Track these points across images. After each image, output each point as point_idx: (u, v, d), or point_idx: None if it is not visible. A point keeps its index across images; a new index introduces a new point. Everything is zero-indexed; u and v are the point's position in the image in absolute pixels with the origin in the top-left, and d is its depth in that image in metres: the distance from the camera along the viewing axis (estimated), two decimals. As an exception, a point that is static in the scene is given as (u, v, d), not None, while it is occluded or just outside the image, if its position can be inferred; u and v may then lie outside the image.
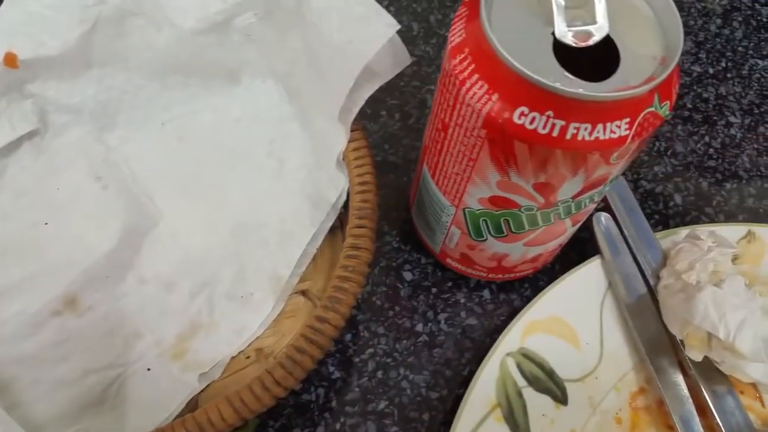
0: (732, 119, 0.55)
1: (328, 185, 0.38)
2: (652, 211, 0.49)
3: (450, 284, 0.45)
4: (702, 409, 0.39)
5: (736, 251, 0.38)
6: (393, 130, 0.51)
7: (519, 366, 0.39)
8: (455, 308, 0.44)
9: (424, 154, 0.38)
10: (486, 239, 0.38)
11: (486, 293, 0.45)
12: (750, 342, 0.34)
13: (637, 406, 0.40)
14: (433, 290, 0.45)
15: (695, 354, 0.37)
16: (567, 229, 0.38)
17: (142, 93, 0.42)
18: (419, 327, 0.44)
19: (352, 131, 0.36)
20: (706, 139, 0.54)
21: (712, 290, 0.35)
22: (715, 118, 0.55)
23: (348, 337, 0.43)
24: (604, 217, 0.43)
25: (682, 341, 0.38)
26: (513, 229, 0.36)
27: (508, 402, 0.38)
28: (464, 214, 0.37)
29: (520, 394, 0.38)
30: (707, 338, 0.36)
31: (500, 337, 0.39)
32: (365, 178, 0.35)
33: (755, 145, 0.53)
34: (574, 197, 0.33)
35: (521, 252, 0.39)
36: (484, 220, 0.36)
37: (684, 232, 0.43)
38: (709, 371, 0.39)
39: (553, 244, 0.39)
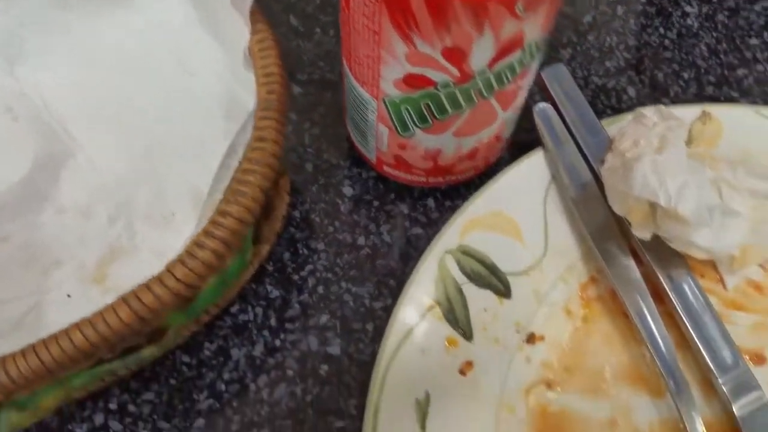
0: (688, 9, 0.52)
1: (240, 91, 0.36)
2: (604, 106, 0.47)
3: (393, 196, 0.43)
4: (659, 296, 0.37)
5: (687, 128, 0.36)
6: (328, 47, 0.49)
7: (459, 263, 0.37)
8: (399, 219, 0.42)
9: (342, 49, 0.36)
10: (413, 133, 0.36)
11: (430, 202, 0.43)
12: (692, 204, 0.31)
13: (589, 296, 0.38)
14: (375, 203, 0.43)
15: (642, 232, 0.35)
16: (497, 114, 0.36)
17: (45, 19, 0.40)
18: (361, 240, 0.42)
19: (254, 23, 0.34)
20: (661, 30, 0.51)
21: (652, 159, 0.33)
22: (670, 9, 0.52)
23: (286, 255, 0.41)
24: (544, 106, 0.40)
25: (629, 222, 0.35)
26: (436, 114, 0.34)
27: (447, 299, 0.36)
28: (386, 105, 0.35)
29: (460, 291, 0.36)
30: (650, 210, 0.33)
31: (437, 236, 0.37)
32: (270, 69, 0.33)
33: (714, 34, 0.51)
34: (490, 66, 0.31)
35: (454, 145, 0.37)
36: (406, 108, 0.34)
37: (631, 116, 0.40)
38: (663, 256, 0.37)
39: (487, 134, 0.37)
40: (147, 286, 0.28)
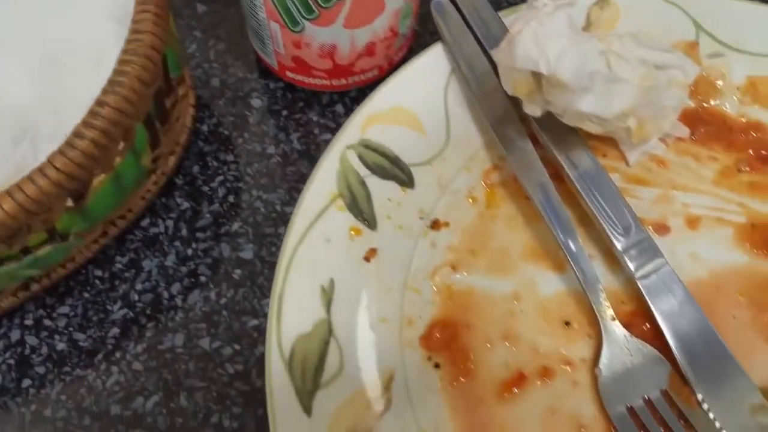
0: None
1: (128, -5, 0.35)
2: (509, 4, 0.47)
3: (301, 104, 0.43)
4: (559, 176, 0.38)
5: (577, 5, 0.36)
6: (232, -35, 0.49)
7: (360, 157, 0.37)
8: (308, 127, 0.42)
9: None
10: (303, 26, 0.36)
11: (339, 108, 0.43)
12: (571, 68, 0.32)
13: (492, 182, 0.38)
14: (284, 113, 0.43)
15: (532, 108, 0.35)
16: (385, 5, 0.36)
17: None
18: (271, 149, 0.42)
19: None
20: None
21: (533, 29, 0.33)
22: None
23: (195, 168, 0.41)
24: (441, 0, 0.40)
25: (521, 100, 0.36)
26: (321, 2, 0.34)
27: (350, 191, 0.36)
28: (271, -3, 0.35)
29: (363, 184, 0.36)
30: (535, 82, 0.34)
31: (338, 133, 0.37)
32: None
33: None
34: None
35: (348, 39, 0.37)
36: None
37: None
38: (561, 136, 0.38)
39: (380, 26, 0.37)
40: (29, 177, 0.28)
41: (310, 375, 0.32)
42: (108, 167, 0.32)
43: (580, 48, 0.33)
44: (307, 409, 0.31)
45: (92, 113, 0.29)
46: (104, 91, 0.30)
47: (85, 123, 0.29)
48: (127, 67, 0.30)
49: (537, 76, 0.33)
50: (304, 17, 0.35)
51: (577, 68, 0.32)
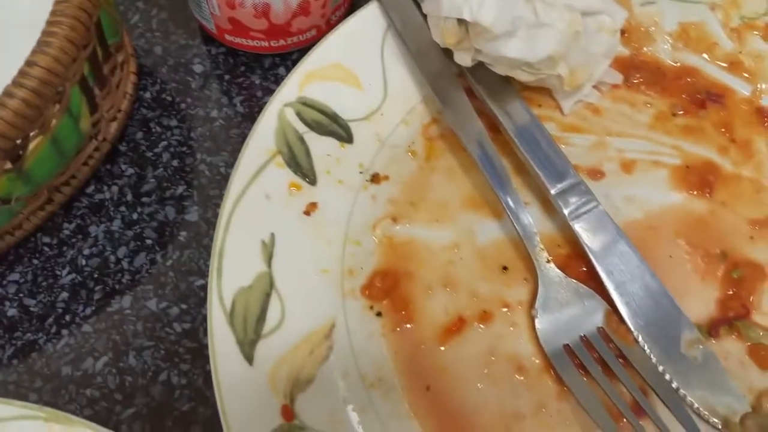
0: None
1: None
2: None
3: (243, 68, 0.43)
4: (494, 127, 0.38)
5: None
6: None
7: (299, 114, 0.37)
8: (251, 90, 0.43)
9: None
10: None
11: (281, 70, 0.43)
12: (493, 13, 0.32)
13: (431, 135, 0.39)
14: (227, 77, 0.43)
15: (463, 57, 0.36)
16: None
17: None
18: (214, 113, 0.42)
19: None
20: None
21: (458, -23, 0.33)
22: None
23: (139, 135, 0.41)
24: (375, -42, 0.41)
25: (451, 51, 0.36)
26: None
27: (289, 148, 0.36)
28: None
29: (301, 140, 0.37)
30: (462, 31, 0.34)
31: (276, 91, 0.37)
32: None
33: None
34: None
35: (281, -1, 0.37)
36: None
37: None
38: (495, 88, 0.39)
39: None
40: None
41: (252, 326, 0.32)
42: (44, 129, 0.32)
43: (506, -4, 0.33)
44: (249, 358, 0.32)
45: (22, 73, 0.29)
46: (33, 52, 0.30)
47: (15, 83, 0.29)
48: (56, 27, 0.30)
49: (464, 24, 0.34)
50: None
51: (500, 14, 0.33)
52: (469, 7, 0.32)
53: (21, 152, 0.32)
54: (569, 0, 0.35)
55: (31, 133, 0.32)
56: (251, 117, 0.41)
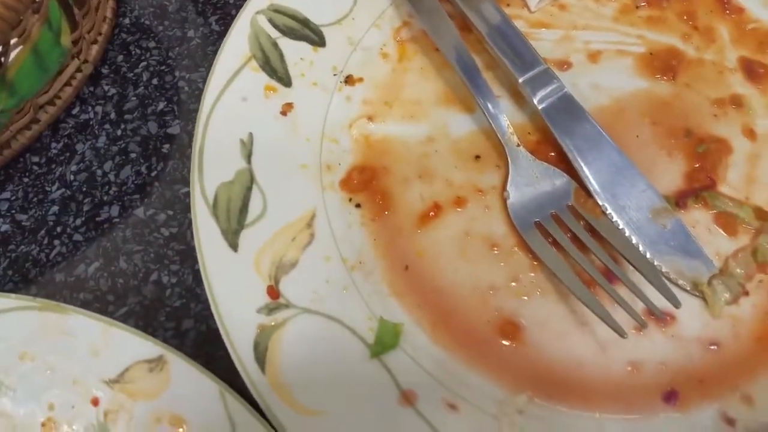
0: None
1: None
2: None
3: (218, -12, 0.44)
4: (466, 27, 0.39)
5: None
6: None
7: (271, 21, 0.38)
8: (225, 9, 0.44)
9: None
10: None
11: (255, -10, 0.44)
12: None
13: (402, 38, 0.40)
14: (201, -2, 0.44)
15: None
16: None
17: None
18: (191, 33, 0.43)
19: None
20: None
21: None
22: None
23: (120, 58, 0.42)
24: None
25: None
26: None
27: (263, 53, 0.37)
28: None
29: (275, 45, 0.38)
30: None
31: (247, 0, 0.38)
32: None
33: None
34: None
35: None
36: None
37: None
38: (467, -10, 0.39)
39: None
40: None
41: (235, 217, 0.34)
42: (25, 39, 0.33)
43: None
44: (234, 246, 0.33)
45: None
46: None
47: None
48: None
49: None
50: None
51: None
52: None
53: (2, 59, 0.33)
54: None
55: (12, 41, 0.33)
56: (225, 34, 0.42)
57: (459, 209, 0.35)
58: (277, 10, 0.38)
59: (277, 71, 0.37)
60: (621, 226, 0.34)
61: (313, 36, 0.39)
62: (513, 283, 0.34)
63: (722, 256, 0.34)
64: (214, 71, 0.36)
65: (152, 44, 0.43)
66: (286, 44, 0.38)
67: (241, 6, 0.42)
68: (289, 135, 0.36)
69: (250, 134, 0.36)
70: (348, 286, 0.33)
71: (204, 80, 0.41)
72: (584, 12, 0.40)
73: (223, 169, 0.35)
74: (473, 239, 0.35)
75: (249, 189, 0.34)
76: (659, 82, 0.38)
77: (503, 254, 0.34)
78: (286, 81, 0.37)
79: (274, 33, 0.38)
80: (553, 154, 0.37)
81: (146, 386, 0.30)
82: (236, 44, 0.37)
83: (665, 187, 0.35)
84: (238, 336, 0.30)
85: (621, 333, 0.30)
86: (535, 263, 0.34)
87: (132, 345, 0.31)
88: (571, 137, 0.35)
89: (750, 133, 0.37)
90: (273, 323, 0.31)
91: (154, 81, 0.41)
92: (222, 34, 0.43)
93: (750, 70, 0.38)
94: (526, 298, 0.33)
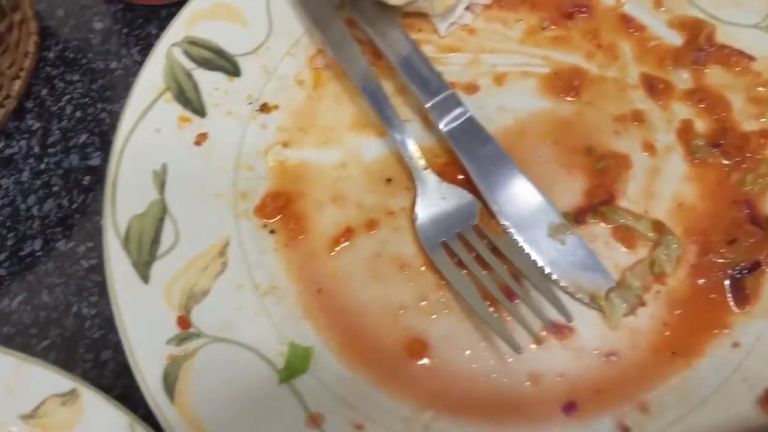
0: None
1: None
2: None
3: (141, 21, 0.45)
4: (376, 54, 0.41)
5: None
6: None
7: (186, 52, 0.39)
8: (148, 40, 0.45)
9: None
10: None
11: (178, 20, 0.45)
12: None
13: (317, 65, 0.41)
14: (125, 31, 0.45)
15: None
16: None
17: None
18: (113, 65, 0.44)
19: None
20: None
21: None
22: None
23: (44, 92, 0.43)
24: None
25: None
26: None
27: (177, 84, 0.38)
28: None
29: (189, 76, 0.39)
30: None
31: (163, 32, 0.39)
32: None
33: None
34: None
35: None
36: None
37: None
38: (375, 18, 0.41)
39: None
40: None
41: (146, 249, 0.34)
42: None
43: None
44: (145, 278, 0.34)
45: None
46: None
47: None
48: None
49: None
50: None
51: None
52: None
53: None
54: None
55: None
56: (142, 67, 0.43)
57: (371, 232, 0.36)
58: (193, 42, 0.39)
59: (191, 102, 0.38)
60: (521, 244, 0.35)
61: (228, 66, 0.40)
62: (422, 303, 0.35)
63: (621, 269, 0.35)
64: (128, 104, 0.37)
65: (76, 77, 0.43)
66: (200, 75, 0.39)
67: (162, 37, 0.43)
68: (203, 164, 0.37)
69: (164, 165, 0.37)
70: (259, 312, 0.34)
71: (126, 111, 0.42)
72: (492, 35, 0.42)
73: (136, 201, 0.35)
74: (384, 260, 0.36)
75: (161, 220, 0.35)
76: (562, 102, 0.40)
77: (413, 274, 0.35)
78: (200, 111, 0.38)
79: (189, 64, 0.39)
80: (461, 177, 0.38)
81: (60, 420, 0.31)
82: (151, 77, 0.38)
83: (566, 204, 0.37)
84: (147, 367, 0.31)
85: (516, 348, 0.31)
86: (443, 282, 0.35)
87: (45, 380, 0.32)
88: (475, 160, 0.37)
89: (650, 148, 0.38)
90: (183, 353, 0.32)
91: (77, 114, 0.42)
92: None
93: (651, 86, 0.40)
94: (434, 316, 0.34)
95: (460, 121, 0.38)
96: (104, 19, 0.46)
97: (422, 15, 0.42)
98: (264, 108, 0.40)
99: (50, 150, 0.41)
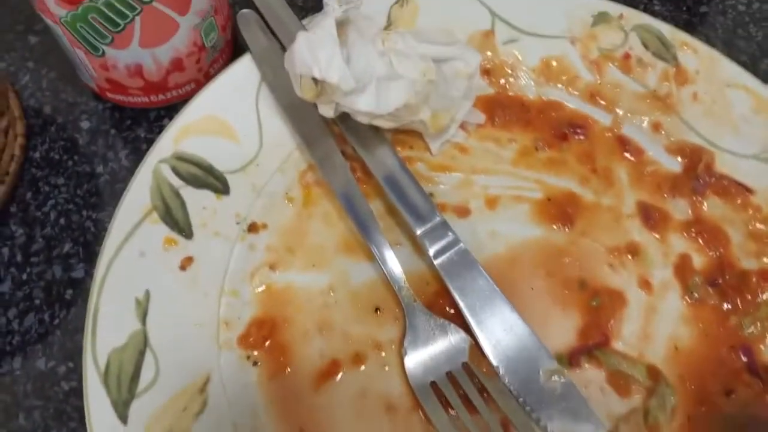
0: None
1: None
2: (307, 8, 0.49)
3: (129, 122, 0.45)
4: (366, 172, 0.40)
5: (358, 4, 0.38)
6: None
7: (174, 169, 0.38)
8: (136, 143, 0.44)
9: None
10: (102, 51, 0.37)
11: (166, 122, 0.45)
12: (339, 70, 0.34)
13: (308, 182, 0.40)
14: (113, 132, 0.44)
15: (325, 109, 0.37)
16: (177, 20, 0.37)
17: None
18: (100, 169, 0.43)
19: None
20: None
21: (305, 36, 0.35)
22: None
23: (28, 195, 0.42)
24: (247, 12, 0.42)
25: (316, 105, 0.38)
26: (110, 27, 0.35)
27: (164, 203, 0.38)
28: (65, 26, 0.36)
29: (177, 194, 0.38)
30: (318, 86, 0.36)
31: (151, 148, 0.38)
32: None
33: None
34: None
35: (150, 58, 0.39)
36: (81, 26, 0.36)
37: (333, 10, 0.42)
38: (365, 138, 0.40)
39: (181, 43, 0.39)
40: None
41: (126, 386, 0.33)
42: None
43: (358, 51, 0.35)
44: (123, 418, 0.33)
45: None
46: None
47: None
48: None
49: (318, 80, 0.35)
50: (100, 42, 0.36)
51: (345, 73, 0.34)
52: (318, 66, 0.34)
53: None
54: (423, 50, 0.37)
55: None
56: (135, 170, 0.42)
57: (358, 367, 0.36)
58: (181, 158, 0.39)
59: (178, 222, 0.37)
60: (512, 389, 0.34)
61: (217, 183, 0.39)
62: (408, 447, 0.34)
63: (614, 417, 0.34)
64: (112, 228, 0.36)
65: (61, 181, 0.43)
66: (188, 193, 0.38)
67: (151, 141, 0.42)
68: (187, 291, 0.36)
69: (147, 292, 0.36)
70: (239, 456, 0.33)
71: (110, 219, 0.41)
72: (484, 155, 0.41)
73: (116, 333, 0.34)
74: (370, 399, 0.35)
75: (142, 353, 0.34)
76: (555, 230, 0.39)
77: (399, 417, 0.34)
78: (187, 232, 0.37)
79: (177, 182, 0.38)
80: (453, 311, 0.37)
81: None
82: (137, 196, 0.37)
83: (559, 344, 0.36)
84: None
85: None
86: (430, 427, 0.34)
87: None
88: (466, 295, 0.36)
89: (646, 285, 0.37)
90: (159, 503, 0.31)
91: (61, 221, 0.41)
92: (130, 170, 0.43)
93: (647, 216, 0.39)
94: (419, 462, 0.33)
95: (451, 252, 0.37)
96: (92, 118, 0.45)
97: (416, 132, 0.41)
98: (252, 227, 0.39)
99: (33, 259, 0.40)
